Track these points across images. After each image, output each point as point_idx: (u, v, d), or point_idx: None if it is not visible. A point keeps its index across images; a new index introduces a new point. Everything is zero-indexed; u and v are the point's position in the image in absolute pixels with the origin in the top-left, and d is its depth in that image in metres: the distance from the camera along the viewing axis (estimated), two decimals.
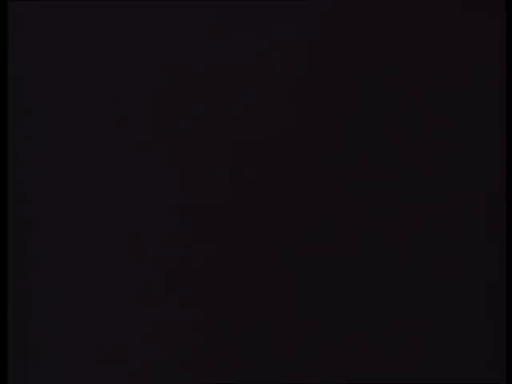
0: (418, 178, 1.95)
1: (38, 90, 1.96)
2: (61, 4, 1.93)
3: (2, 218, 1.69)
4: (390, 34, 1.96)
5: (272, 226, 1.96)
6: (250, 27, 1.98)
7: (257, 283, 1.93)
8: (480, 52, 1.94)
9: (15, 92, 1.93)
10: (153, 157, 1.98)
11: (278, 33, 1.98)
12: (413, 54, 1.96)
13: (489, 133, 1.94)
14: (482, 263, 1.88)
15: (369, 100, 1.97)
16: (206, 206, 1.97)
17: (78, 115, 1.97)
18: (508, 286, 1.69)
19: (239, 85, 2.00)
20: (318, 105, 1.99)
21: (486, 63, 1.94)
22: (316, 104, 1.99)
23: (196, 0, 1.96)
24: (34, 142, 1.96)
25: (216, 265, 1.95)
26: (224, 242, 1.96)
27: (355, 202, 1.94)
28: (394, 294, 1.90)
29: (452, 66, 1.95)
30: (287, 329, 1.88)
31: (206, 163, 1.98)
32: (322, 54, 1.98)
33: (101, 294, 1.91)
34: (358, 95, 1.97)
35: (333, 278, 1.92)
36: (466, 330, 1.85)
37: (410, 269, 1.91)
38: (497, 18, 1.93)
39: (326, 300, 1.90)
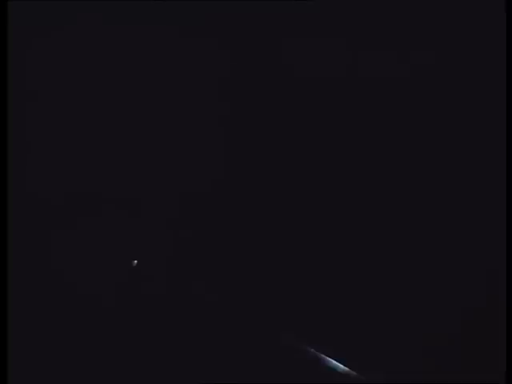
0: (418, 177, 1.95)
1: (37, 89, 1.97)
2: (61, 4, 1.94)
3: (2, 215, 1.69)
4: (389, 30, 1.96)
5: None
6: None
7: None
8: (480, 51, 1.94)
9: (15, 92, 1.94)
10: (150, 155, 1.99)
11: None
12: (411, 49, 1.96)
13: (489, 132, 1.94)
14: (482, 262, 1.88)
15: (367, 100, 1.97)
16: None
17: (78, 113, 1.98)
18: (508, 285, 1.68)
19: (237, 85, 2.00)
20: (316, 101, 1.99)
21: (486, 63, 1.94)
22: (314, 100, 1.99)
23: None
24: (34, 141, 1.97)
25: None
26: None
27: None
28: (394, 292, 1.90)
29: (451, 66, 1.95)
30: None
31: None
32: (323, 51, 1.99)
33: None
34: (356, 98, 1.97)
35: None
36: (465, 330, 1.85)
37: (409, 267, 1.91)
38: (497, 17, 1.92)
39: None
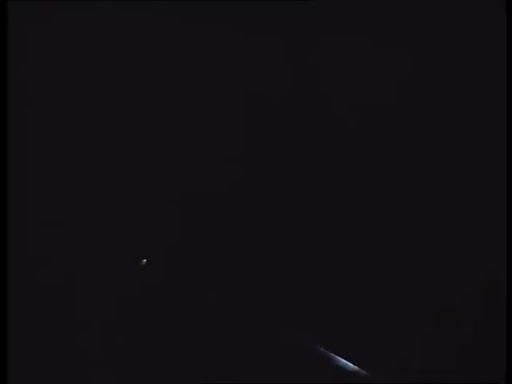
0: (418, 176, 1.95)
1: (38, 89, 1.97)
2: (61, 4, 1.94)
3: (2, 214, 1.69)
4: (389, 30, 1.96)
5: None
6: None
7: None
8: (480, 52, 1.94)
9: (15, 92, 1.94)
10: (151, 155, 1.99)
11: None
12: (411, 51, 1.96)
13: (489, 132, 1.94)
14: (482, 262, 1.88)
15: (367, 100, 1.97)
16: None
17: (78, 114, 1.98)
18: (508, 285, 1.68)
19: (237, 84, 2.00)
20: (313, 102, 1.99)
21: (486, 63, 1.94)
22: (311, 101, 1.99)
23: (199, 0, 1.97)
24: (34, 142, 1.97)
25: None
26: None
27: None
28: (394, 292, 1.90)
29: (451, 66, 1.95)
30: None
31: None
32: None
33: None
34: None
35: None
36: (465, 330, 1.85)
37: (410, 268, 1.91)
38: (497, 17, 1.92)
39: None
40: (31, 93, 1.98)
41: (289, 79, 2.01)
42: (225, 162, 2.01)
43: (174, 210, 2.01)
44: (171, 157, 2.02)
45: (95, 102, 2.00)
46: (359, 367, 1.80)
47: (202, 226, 2.01)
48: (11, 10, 1.91)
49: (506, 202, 1.73)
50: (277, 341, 1.84)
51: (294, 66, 2.01)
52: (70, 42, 1.98)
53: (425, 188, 1.96)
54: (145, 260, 1.78)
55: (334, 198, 1.98)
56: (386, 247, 1.94)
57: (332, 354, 1.81)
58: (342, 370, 1.79)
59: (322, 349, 1.80)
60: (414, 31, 1.97)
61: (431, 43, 1.96)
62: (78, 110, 2.00)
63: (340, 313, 1.91)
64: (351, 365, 1.79)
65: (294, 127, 2.00)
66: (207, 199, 2.01)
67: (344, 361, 1.80)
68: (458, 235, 1.92)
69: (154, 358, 1.88)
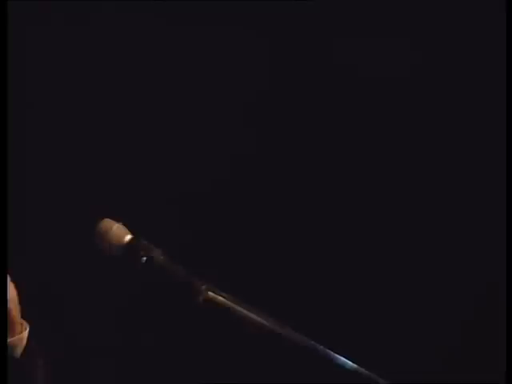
0: (418, 177, 1.95)
1: (37, 89, 1.97)
2: (61, 4, 1.93)
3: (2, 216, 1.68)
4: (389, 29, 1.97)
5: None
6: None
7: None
8: (480, 52, 1.94)
9: (15, 92, 1.93)
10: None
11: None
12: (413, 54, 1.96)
13: (489, 132, 1.94)
14: (482, 263, 1.88)
15: (367, 100, 1.97)
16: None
17: (79, 114, 1.98)
18: (508, 285, 1.69)
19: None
20: (313, 99, 1.99)
21: (486, 63, 1.94)
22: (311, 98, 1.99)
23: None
24: (35, 143, 1.97)
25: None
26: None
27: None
28: (395, 294, 1.90)
29: (451, 66, 1.95)
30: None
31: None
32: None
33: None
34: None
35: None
36: (465, 330, 1.85)
37: (410, 269, 1.91)
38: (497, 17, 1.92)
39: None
40: (31, 93, 1.97)
41: (290, 79, 2.01)
42: (226, 161, 2.01)
43: (174, 209, 2.01)
44: (171, 156, 2.02)
45: (95, 101, 2.00)
46: (359, 366, 1.80)
47: (203, 226, 2.01)
48: (11, 10, 1.90)
49: (506, 204, 1.73)
50: (276, 340, 1.84)
51: (295, 67, 2.01)
52: (70, 41, 1.97)
53: (426, 190, 1.96)
54: (144, 258, 1.77)
55: (337, 199, 1.98)
56: (386, 248, 1.94)
57: (332, 353, 1.80)
58: (341, 368, 1.78)
59: (321, 347, 1.79)
60: (413, 31, 1.96)
61: (431, 43, 1.96)
62: (78, 110, 2.00)
63: (340, 313, 1.91)
64: (350, 363, 1.79)
65: (294, 127, 2.00)
66: (208, 198, 2.00)
67: (343, 359, 1.80)
68: (458, 236, 1.92)
69: (153, 357, 1.88)
